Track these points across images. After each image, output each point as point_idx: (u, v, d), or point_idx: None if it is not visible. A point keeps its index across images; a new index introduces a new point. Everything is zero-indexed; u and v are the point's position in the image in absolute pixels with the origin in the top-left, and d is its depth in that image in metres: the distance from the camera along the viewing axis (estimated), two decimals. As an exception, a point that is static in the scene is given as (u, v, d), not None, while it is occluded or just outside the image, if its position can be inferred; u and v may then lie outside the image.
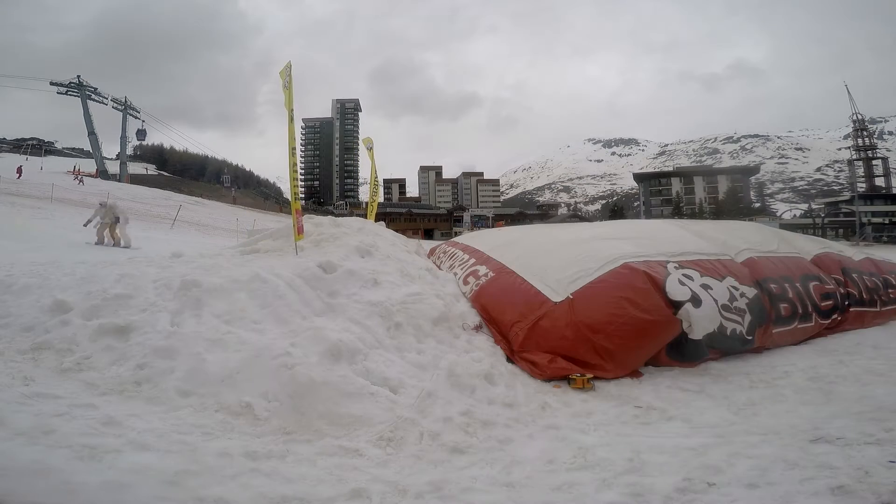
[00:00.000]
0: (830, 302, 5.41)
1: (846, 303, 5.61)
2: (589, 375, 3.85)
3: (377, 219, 9.72)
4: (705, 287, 4.41)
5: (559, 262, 4.80)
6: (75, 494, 1.91)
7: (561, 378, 3.86)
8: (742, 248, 5.41)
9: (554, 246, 5.42)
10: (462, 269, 5.71)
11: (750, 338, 4.47)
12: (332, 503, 2.12)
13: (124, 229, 11.56)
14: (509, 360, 4.14)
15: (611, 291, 4.24)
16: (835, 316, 5.43)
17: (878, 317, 5.93)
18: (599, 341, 3.95)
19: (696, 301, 4.22)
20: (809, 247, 6.45)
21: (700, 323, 4.16)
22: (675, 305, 4.16)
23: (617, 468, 2.49)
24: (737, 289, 4.60)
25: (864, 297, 5.88)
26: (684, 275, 4.46)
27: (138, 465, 2.18)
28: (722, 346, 4.35)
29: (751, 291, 4.67)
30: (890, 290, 6.34)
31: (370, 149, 12.26)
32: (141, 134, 67.30)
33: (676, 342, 4.16)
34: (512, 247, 5.82)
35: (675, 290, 4.26)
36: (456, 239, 8.10)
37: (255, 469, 2.30)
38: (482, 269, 5.37)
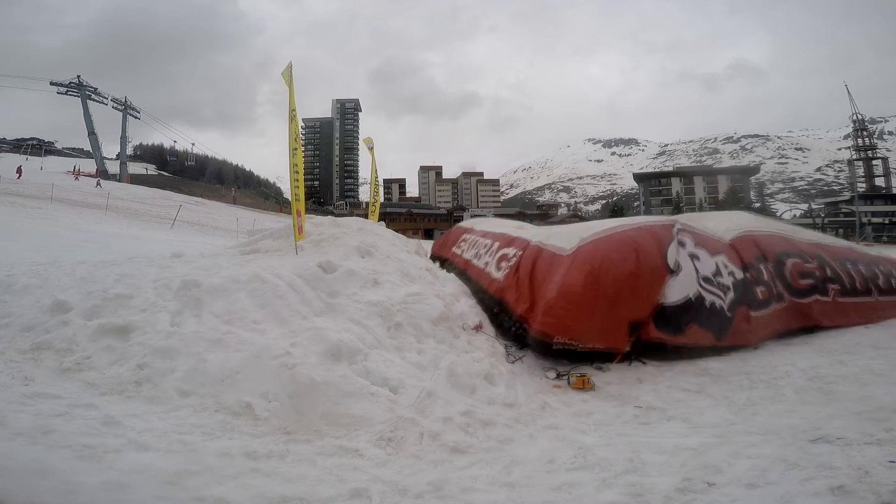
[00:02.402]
0: (810, 281, 5.45)
1: (827, 285, 5.58)
2: (589, 375, 3.86)
3: (378, 219, 9.71)
4: (693, 256, 4.60)
5: (577, 231, 5.03)
6: (75, 494, 1.91)
7: (567, 339, 4.00)
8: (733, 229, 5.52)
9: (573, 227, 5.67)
10: (490, 255, 5.85)
11: (730, 315, 4.58)
12: (332, 503, 2.12)
13: None
14: (509, 360, 4.15)
15: (617, 237, 4.56)
16: (815, 297, 5.41)
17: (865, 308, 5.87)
18: (602, 284, 4.16)
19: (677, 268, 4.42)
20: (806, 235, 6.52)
21: (675, 287, 4.32)
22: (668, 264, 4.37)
23: (617, 468, 2.49)
24: (726, 266, 4.79)
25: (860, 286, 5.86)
26: (680, 241, 4.64)
27: (138, 465, 2.18)
28: (705, 322, 4.43)
29: (739, 272, 4.85)
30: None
31: (371, 148, 12.25)
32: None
33: (661, 313, 4.28)
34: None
35: (672, 254, 4.46)
36: (464, 225, 8.04)
37: (255, 469, 2.30)
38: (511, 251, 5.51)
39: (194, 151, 72.73)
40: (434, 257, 7.70)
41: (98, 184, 36.04)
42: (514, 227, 6.85)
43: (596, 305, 4.14)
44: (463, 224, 8.47)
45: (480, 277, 5.68)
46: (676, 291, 4.33)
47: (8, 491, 1.86)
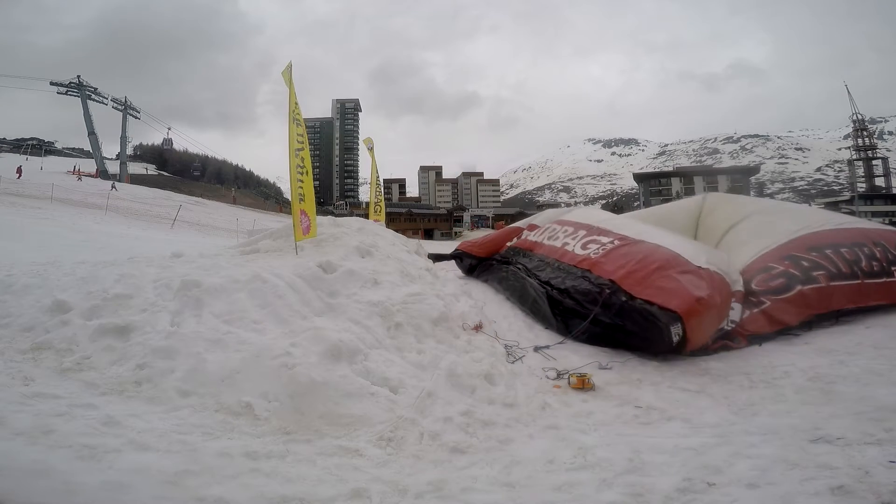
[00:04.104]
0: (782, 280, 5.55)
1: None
2: (589, 375, 3.86)
3: (384, 218, 9.64)
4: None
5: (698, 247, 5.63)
6: (75, 494, 1.91)
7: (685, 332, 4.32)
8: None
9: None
10: (574, 239, 6.25)
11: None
12: (332, 503, 2.12)
13: None
14: (509, 360, 4.16)
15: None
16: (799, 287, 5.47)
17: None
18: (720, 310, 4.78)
19: None
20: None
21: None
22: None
23: (617, 468, 2.49)
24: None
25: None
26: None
27: (138, 465, 2.18)
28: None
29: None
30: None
31: (371, 149, 12.22)
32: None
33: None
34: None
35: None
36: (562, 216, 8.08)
37: (255, 469, 2.30)
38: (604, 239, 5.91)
39: (170, 136, 70.75)
40: (462, 254, 7.99)
41: (113, 186, 35.30)
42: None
43: (711, 319, 4.72)
44: (526, 222, 8.52)
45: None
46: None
47: (8, 491, 1.86)
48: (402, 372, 3.46)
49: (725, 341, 4.79)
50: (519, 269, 6.53)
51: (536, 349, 4.70)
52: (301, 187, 5.58)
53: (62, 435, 2.33)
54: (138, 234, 17.14)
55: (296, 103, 5.62)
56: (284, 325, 3.79)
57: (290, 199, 5.74)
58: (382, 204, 12.41)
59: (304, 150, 5.76)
